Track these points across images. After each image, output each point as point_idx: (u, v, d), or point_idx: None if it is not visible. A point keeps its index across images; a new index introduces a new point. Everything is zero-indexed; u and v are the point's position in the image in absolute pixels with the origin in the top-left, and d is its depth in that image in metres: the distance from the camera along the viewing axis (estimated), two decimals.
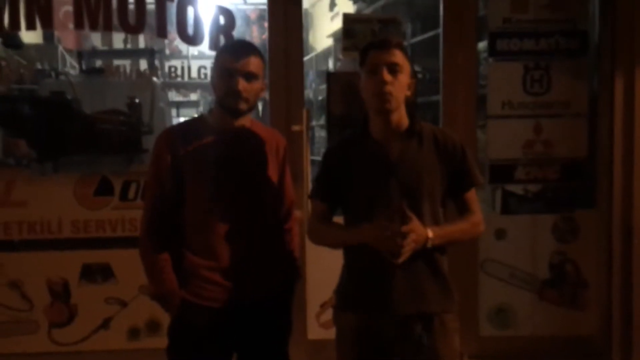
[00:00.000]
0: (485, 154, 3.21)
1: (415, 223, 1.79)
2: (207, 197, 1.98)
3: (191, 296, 1.99)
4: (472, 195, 1.98)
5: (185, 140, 2.00)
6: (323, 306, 3.11)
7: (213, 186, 1.98)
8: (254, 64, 1.97)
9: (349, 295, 1.98)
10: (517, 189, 3.31)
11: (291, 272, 2.19)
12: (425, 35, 3.81)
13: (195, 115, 4.59)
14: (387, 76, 1.84)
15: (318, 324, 3.13)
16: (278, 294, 2.10)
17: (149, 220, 2.02)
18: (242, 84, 1.94)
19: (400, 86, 1.86)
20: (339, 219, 2.02)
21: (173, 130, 2.10)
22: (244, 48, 2.01)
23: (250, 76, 1.96)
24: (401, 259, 1.78)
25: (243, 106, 1.98)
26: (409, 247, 1.78)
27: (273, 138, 2.15)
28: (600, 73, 3.25)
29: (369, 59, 1.88)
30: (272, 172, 2.09)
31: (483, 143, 3.24)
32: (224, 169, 1.99)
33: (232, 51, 2.01)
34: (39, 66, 3.81)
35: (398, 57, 1.86)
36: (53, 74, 3.76)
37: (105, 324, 3.07)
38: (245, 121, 2.06)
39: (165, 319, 2.90)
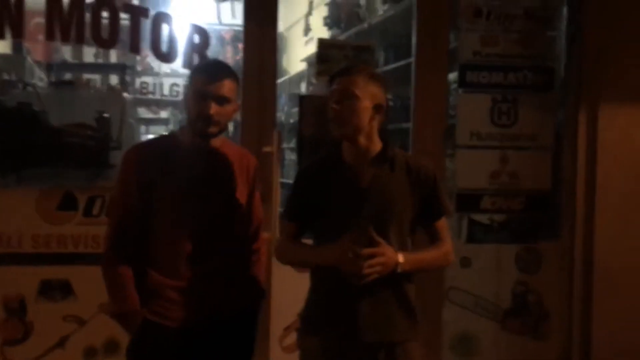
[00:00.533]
0: (454, 183, 3.25)
1: (384, 247, 1.79)
2: (174, 215, 1.96)
3: (153, 315, 1.95)
4: (442, 224, 2.00)
5: (154, 157, 1.98)
6: (286, 329, 3.08)
7: (180, 204, 1.96)
8: (227, 87, 1.96)
9: (315, 319, 1.97)
10: (483, 218, 3.35)
11: (256, 293, 2.17)
12: (398, 64, 3.87)
13: (165, 133, 4.57)
14: (336, 107, 1.87)
15: (281, 347, 3.09)
16: (242, 314, 2.08)
17: (114, 236, 1.99)
18: (214, 108, 1.92)
19: (356, 112, 1.87)
20: (307, 241, 2.01)
21: (142, 147, 2.09)
22: (219, 70, 2.00)
23: (222, 100, 1.94)
24: (362, 281, 1.78)
25: (213, 130, 1.97)
26: (374, 270, 1.78)
27: (244, 157, 2.14)
28: (566, 108, 3.34)
29: (333, 85, 1.92)
30: (241, 192, 2.08)
31: (451, 172, 3.28)
32: (192, 187, 1.97)
33: (206, 73, 1.99)
34: (5, 77, 3.74)
35: (358, 87, 1.87)
36: (20, 85, 3.69)
37: (62, 342, 2.97)
38: (216, 141, 2.05)
39: (124, 339, 2.83)
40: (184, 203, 1.96)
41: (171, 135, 2.14)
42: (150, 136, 4.93)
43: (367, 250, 1.76)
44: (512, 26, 3.24)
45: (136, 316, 1.95)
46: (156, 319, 1.95)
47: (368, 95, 1.89)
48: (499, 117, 3.26)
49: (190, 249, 1.96)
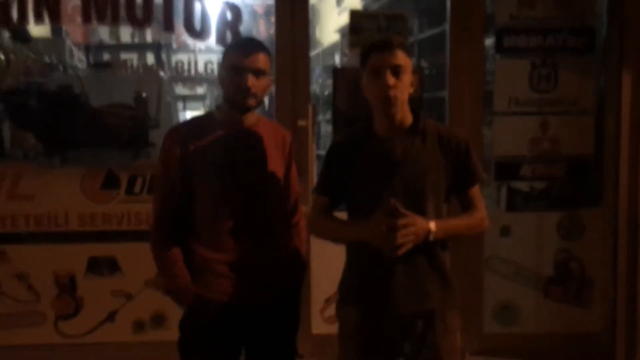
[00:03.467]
0: (491, 151, 3.21)
1: (413, 217, 1.79)
2: (215, 193, 2.00)
3: (202, 290, 2.01)
4: (476, 192, 1.98)
5: (194, 136, 2.02)
6: (327, 301, 3.12)
7: (221, 182, 2.00)
8: (262, 60, 1.99)
9: (351, 291, 1.99)
10: (522, 186, 3.30)
11: (299, 267, 2.21)
12: (432, 32, 3.80)
13: (202, 111, 4.60)
14: (391, 79, 1.83)
15: (322, 318, 3.14)
16: (286, 289, 2.12)
17: (159, 215, 2.04)
18: (251, 80, 1.96)
19: (404, 87, 1.86)
20: (342, 215, 2.02)
21: (181, 127, 2.13)
22: (252, 45, 2.03)
23: (258, 72, 1.98)
24: (400, 252, 1.78)
25: (252, 102, 2.00)
26: (408, 239, 1.78)
27: (279, 133, 2.17)
28: (608, 70, 3.23)
29: (371, 61, 1.87)
30: (279, 167, 2.11)
31: (489, 140, 3.23)
32: (231, 164, 2.01)
33: (240, 48, 2.03)
34: (47, 60, 3.82)
35: (400, 58, 1.85)
36: (61, 67, 3.77)
37: (111, 316, 3.09)
38: (253, 116, 2.08)
39: (170, 312, 2.93)
40: (223, 179, 2.00)
41: (208, 114, 2.17)
42: (188, 113, 5.00)
43: (399, 222, 1.76)
44: None
45: (187, 292, 2.01)
46: (205, 294, 2.00)
47: (409, 67, 1.88)
48: (538, 82, 3.18)
49: (232, 224, 2.00)
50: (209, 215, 2.01)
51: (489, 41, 3.26)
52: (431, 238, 1.83)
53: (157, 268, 2.05)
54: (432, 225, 1.82)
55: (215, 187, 2.00)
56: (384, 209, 1.78)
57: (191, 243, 2.03)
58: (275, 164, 2.10)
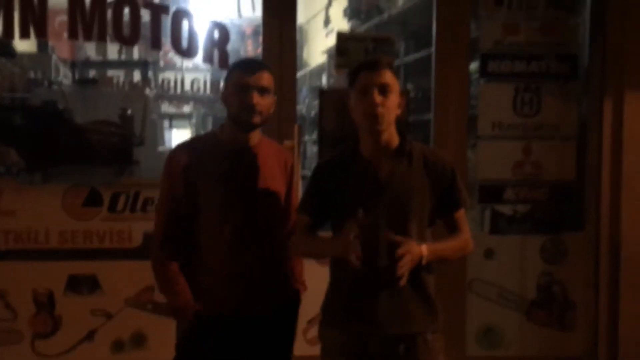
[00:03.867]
0: (475, 174, 3.23)
1: (408, 243, 1.79)
2: (219, 212, 2.03)
3: (203, 307, 2.02)
4: (461, 215, 2.00)
5: (197, 156, 2.05)
6: (310, 322, 3.09)
7: (224, 201, 2.03)
8: (266, 78, 2.04)
9: (335, 313, 1.98)
10: (506, 209, 3.32)
11: (296, 281, 2.23)
12: (418, 55, 3.84)
13: (188, 129, 4.58)
14: (378, 97, 1.85)
15: (305, 339, 3.11)
16: (285, 308, 2.15)
17: (162, 235, 2.06)
18: (256, 97, 2.00)
19: (391, 106, 1.88)
20: (327, 235, 2.02)
21: (185, 146, 2.14)
22: (256, 63, 2.12)
23: (263, 90, 2.02)
24: (402, 283, 1.78)
25: (257, 120, 2.03)
26: (406, 267, 1.78)
27: (282, 154, 2.22)
28: (590, 96, 3.29)
29: (359, 80, 1.89)
30: (281, 187, 2.15)
31: (473, 163, 3.25)
32: (235, 184, 2.04)
33: (245, 67, 2.08)
34: (32, 75, 3.80)
35: (388, 77, 1.87)
36: (46, 83, 3.75)
37: (90, 335, 3.04)
38: (256, 136, 2.11)
39: (151, 332, 2.89)
40: (228, 199, 2.03)
41: (211, 134, 2.22)
42: (174, 131, 4.98)
43: (399, 251, 1.76)
44: (534, 14, 3.20)
45: (189, 309, 2.02)
46: (206, 311, 2.02)
47: (396, 88, 1.89)
48: (522, 106, 3.22)
49: (236, 243, 2.02)
50: (212, 234, 2.04)
51: (474, 65, 3.30)
52: (424, 262, 1.83)
53: (158, 286, 2.08)
54: (424, 249, 1.83)
55: (219, 206, 2.03)
56: (353, 220, 1.78)
57: (193, 260, 2.05)
58: (278, 184, 2.13)
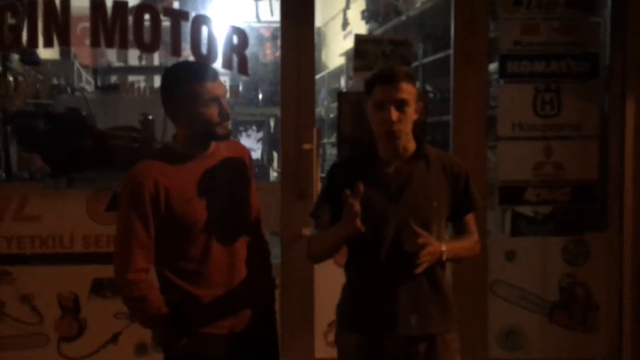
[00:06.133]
0: (495, 175, 3.21)
1: (428, 236, 1.82)
2: (198, 224, 1.92)
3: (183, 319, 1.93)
4: (471, 217, 2.03)
5: (160, 171, 1.92)
6: (330, 325, 3.10)
7: (199, 212, 1.92)
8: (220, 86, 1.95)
9: (352, 316, 1.98)
10: (527, 210, 3.30)
11: (272, 284, 2.16)
12: (437, 56, 3.83)
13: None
14: (395, 114, 1.83)
15: (325, 342, 3.12)
16: (263, 312, 2.07)
17: (127, 262, 1.89)
18: (220, 108, 1.91)
19: (407, 120, 1.87)
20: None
21: (144, 166, 1.99)
22: (206, 71, 1.95)
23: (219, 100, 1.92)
24: (418, 270, 1.80)
25: (225, 130, 1.96)
26: (425, 259, 1.80)
27: (242, 151, 2.11)
28: (611, 95, 3.25)
29: (375, 94, 1.86)
30: (249, 185, 2.08)
31: (493, 164, 3.24)
32: (209, 193, 1.94)
33: (197, 76, 1.92)
34: (55, 82, 3.87)
35: (405, 91, 1.84)
36: (69, 89, 3.81)
37: (114, 338, 3.08)
38: (213, 145, 2.00)
39: None
40: (204, 209, 1.92)
41: (166, 146, 2.07)
42: None
43: (420, 240, 1.78)
44: (553, 13, 3.16)
45: (160, 317, 1.91)
46: (199, 330, 1.93)
47: (414, 98, 1.88)
48: (542, 107, 3.20)
49: (217, 254, 1.94)
50: (191, 248, 1.93)
51: (493, 66, 3.28)
52: (444, 259, 1.85)
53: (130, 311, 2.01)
54: (444, 246, 1.85)
55: (196, 219, 1.92)
56: (353, 195, 1.76)
57: (171, 279, 1.94)
58: (251, 184, 2.08)
